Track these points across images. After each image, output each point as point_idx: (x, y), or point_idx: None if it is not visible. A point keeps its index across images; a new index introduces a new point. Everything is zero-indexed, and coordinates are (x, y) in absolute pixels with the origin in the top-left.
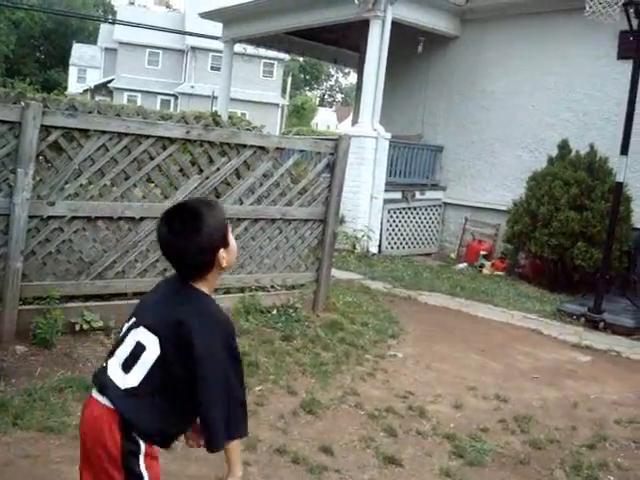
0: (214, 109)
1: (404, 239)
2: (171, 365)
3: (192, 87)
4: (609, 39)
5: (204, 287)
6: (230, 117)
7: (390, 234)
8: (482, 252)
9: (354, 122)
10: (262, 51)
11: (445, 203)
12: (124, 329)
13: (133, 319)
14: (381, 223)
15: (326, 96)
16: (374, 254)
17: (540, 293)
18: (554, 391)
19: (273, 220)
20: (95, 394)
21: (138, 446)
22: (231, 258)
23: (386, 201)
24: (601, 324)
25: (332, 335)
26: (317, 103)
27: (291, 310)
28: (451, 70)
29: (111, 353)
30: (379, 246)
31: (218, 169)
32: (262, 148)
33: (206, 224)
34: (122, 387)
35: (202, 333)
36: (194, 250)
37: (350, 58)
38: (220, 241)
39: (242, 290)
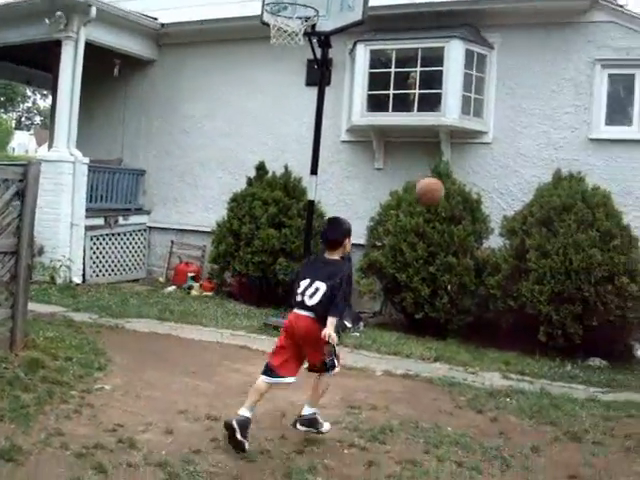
0: None
1: (110, 266)
2: (329, 292)
3: None
4: (299, 66)
5: (337, 256)
6: None
7: (94, 262)
8: (190, 274)
9: (50, 146)
10: None
11: (150, 227)
12: (305, 284)
13: (308, 279)
14: (84, 251)
15: (23, 118)
16: (78, 284)
17: (248, 310)
18: (264, 403)
19: None
20: (297, 310)
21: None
22: (349, 245)
23: (88, 228)
24: None
25: (33, 374)
26: (13, 126)
27: None
28: (151, 94)
29: (301, 294)
30: (83, 275)
31: None
32: None
33: (344, 224)
34: (309, 305)
35: (342, 274)
36: (339, 236)
37: (45, 79)
38: (348, 233)
39: None
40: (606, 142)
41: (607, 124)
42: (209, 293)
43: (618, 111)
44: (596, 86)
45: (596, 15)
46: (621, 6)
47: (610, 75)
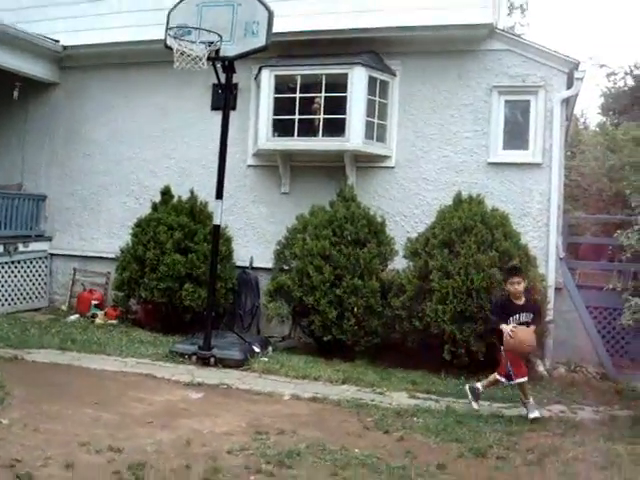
0: None
1: (9, 295)
2: None
3: None
4: (204, 91)
5: None
6: None
7: None
8: (94, 302)
9: None
10: None
11: (52, 254)
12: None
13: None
14: None
15: None
16: None
17: (154, 337)
18: (168, 432)
19: None
20: None
21: None
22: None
23: None
24: (212, 360)
25: None
26: None
27: None
28: (53, 117)
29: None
30: None
31: None
32: None
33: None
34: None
35: None
36: None
37: None
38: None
39: None
40: (504, 165)
41: (504, 148)
42: (114, 321)
43: (515, 136)
44: (494, 112)
45: (493, 44)
46: (517, 35)
47: (507, 101)
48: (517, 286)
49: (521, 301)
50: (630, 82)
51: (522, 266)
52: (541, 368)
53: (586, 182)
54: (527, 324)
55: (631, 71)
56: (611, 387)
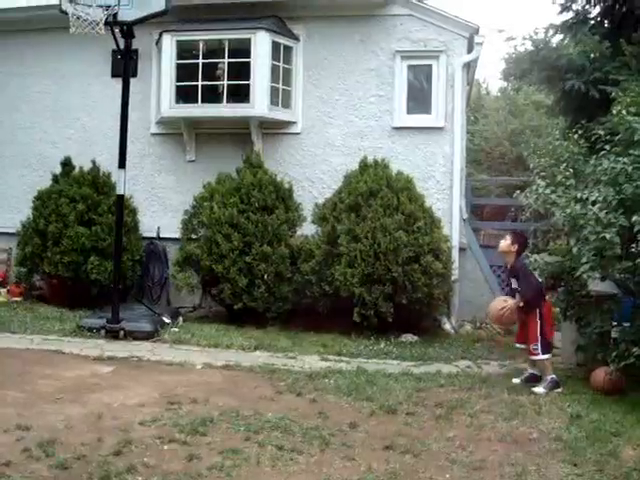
0: None
1: None
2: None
3: None
4: (105, 57)
5: None
6: None
7: None
8: None
9: None
10: None
11: None
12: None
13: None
14: None
15: None
16: None
17: (60, 313)
18: (79, 407)
19: None
20: None
21: None
22: None
23: None
24: (121, 333)
25: None
26: None
27: None
28: None
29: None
30: None
31: None
32: None
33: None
34: None
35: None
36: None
37: None
38: None
39: None
40: (408, 130)
41: (408, 113)
42: (18, 298)
43: (418, 100)
44: (397, 77)
45: (395, 9)
46: (419, 0)
47: (410, 66)
48: (501, 241)
49: (509, 264)
50: (529, 47)
51: (426, 228)
52: (447, 326)
53: (489, 146)
54: (516, 291)
55: (530, 36)
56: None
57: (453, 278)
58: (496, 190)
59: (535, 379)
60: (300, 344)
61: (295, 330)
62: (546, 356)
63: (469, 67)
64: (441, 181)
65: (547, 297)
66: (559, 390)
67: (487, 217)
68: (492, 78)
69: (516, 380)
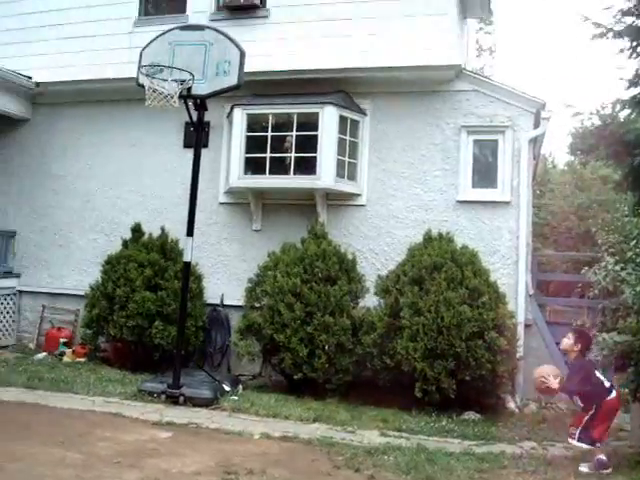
0: None
1: None
2: None
3: None
4: (177, 129)
5: None
6: None
7: None
8: (62, 339)
9: None
10: None
11: (20, 291)
12: None
13: None
14: None
15: None
16: None
17: (122, 375)
18: (136, 472)
19: None
20: None
21: None
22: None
23: None
24: (181, 398)
25: None
26: None
27: None
28: (22, 153)
29: None
30: None
31: None
32: None
33: None
34: None
35: None
36: None
37: None
38: None
39: None
40: (473, 204)
41: (474, 187)
42: (82, 359)
43: (484, 174)
44: (462, 151)
45: (461, 84)
46: (486, 76)
47: (475, 140)
48: (564, 340)
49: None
50: (597, 121)
51: (491, 303)
52: (511, 404)
53: (555, 220)
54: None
55: (597, 111)
56: None
57: (518, 355)
58: (562, 265)
59: (603, 465)
60: (359, 418)
61: (354, 403)
62: (582, 445)
63: (535, 142)
64: (506, 256)
65: (612, 396)
66: (607, 471)
67: (553, 293)
68: (559, 151)
69: (583, 468)
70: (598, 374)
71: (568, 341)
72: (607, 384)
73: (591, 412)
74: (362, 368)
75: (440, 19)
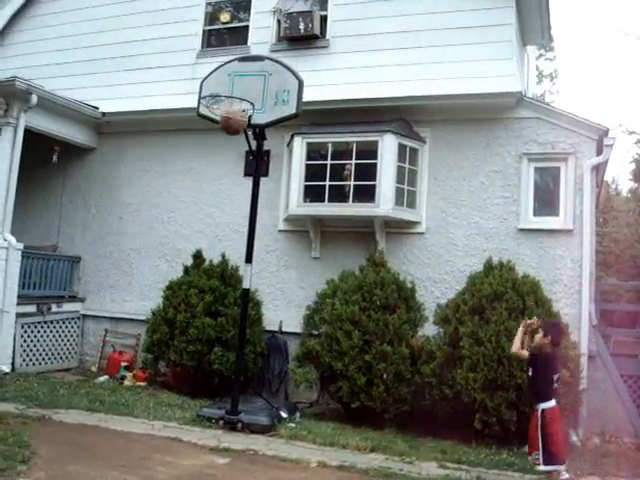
0: None
1: (40, 355)
2: None
3: None
4: (236, 158)
5: None
6: None
7: (25, 350)
8: (123, 363)
9: None
10: None
11: (84, 315)
12: None
13: None
14: (14, 339)
15: None
16: (7, 373)
17: (181, 400)
18: None
19: None
20: None
21: None
22: None
23: (19, 315)
24: (239, 425)
25: None
26: None
27: None
28: (88, 181)
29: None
30: (12, 364)
31: None
32: None
33: None
34: None
35: None
36: None
37: None
38: None
39: None
40: (534, 232)
41: (535, 215)
42: (142, 383)
43: (545, 202)
44: (523, 178)
45: (522, 112)
46: (546, 103)
47: (537, 168)
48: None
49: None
50: None
51: None
52: (574, 438)
53: (619, 248)
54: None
55: None
56: None
57: (581, 387)
58: (626, 295)
59: None
60: (417, 448)
61: (412, 433)
62: (551, 467)
63: (598, 169)
64: (569, 285)
65: (551, 404)
66: None
67: (617, 323)
68: (622, 178)
69: None
70: (555, 377)
71: (539, 335)
72: (554, 388)
73: (539, 432)
74: (420, 398)
75: (500, 47)
